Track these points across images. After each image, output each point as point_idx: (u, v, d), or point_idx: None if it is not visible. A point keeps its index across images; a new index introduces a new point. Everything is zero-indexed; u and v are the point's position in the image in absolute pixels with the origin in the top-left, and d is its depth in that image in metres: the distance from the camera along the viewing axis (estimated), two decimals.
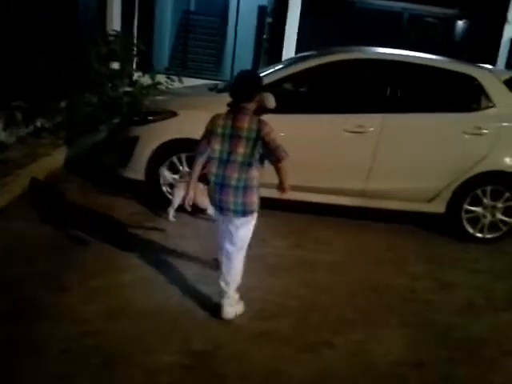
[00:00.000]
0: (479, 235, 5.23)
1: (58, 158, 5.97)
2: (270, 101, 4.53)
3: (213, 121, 3.28)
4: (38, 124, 6.49)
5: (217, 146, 3.23)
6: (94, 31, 8.31)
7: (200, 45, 13.87)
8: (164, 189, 5.09)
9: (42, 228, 4.39)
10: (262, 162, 3.27)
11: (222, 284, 3.39)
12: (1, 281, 3.57)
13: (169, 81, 7.89)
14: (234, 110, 3.26)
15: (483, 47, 10.91)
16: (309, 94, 6.12)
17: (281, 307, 3.64)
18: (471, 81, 5.15)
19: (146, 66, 9.12)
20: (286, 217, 5.19)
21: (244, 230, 3.32)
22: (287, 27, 10.98)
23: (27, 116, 6.25)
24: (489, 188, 5.12)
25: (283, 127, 4.69)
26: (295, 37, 10.90)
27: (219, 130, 3.22)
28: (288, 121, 4.87)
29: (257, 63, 12.32)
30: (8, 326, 3.11)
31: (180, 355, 3.03)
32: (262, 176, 3.31)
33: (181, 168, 5.01)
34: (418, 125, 5.12)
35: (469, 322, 3.78)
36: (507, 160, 5.08)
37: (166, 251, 4.25)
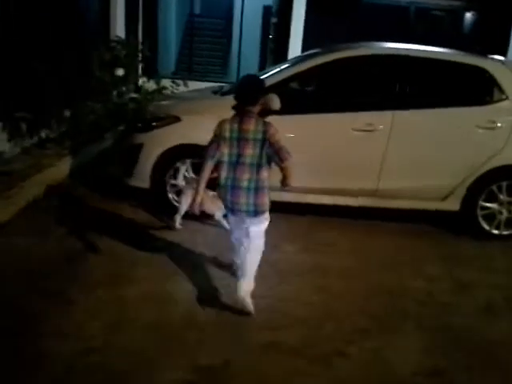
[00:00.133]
0: (495, 232, 5.07)
1: (62, 168, 5.89)
2: (275, 102, 4.44)
3: (220, 125, 3.37)
4: (43, 134, 6.43)
5: (226, 149, 3.33)
6: (97, 37, 8.26)
7: (206, 47, 13.81)
8: (170, 196, 4.99)
9: (46, 240, 4.31)
10: (269, 163, 3.34)
11: (240, 273, 3.49)
12: (5, 297, 3.48)
13: (174, 85, 7.83)
14: (240, 113, 3.36)
15: (493, 38, 10.71)
16: (315, 93, 6.00)
17: (292, 316, 3.50)
18: (483, 73, 4.98)
19: (152, 71, 9.07)
20: (292, 219, 5.06)
21: (258, 226, 3.42)
22: (292, 26, 10.87)
23: (31, 127, 6.19)
24: (504, 183, 4.96)
25: (290, 128, 4.62)
26: (301, 35, 10.78)
27: (227, 134, 3.32)
28: (295, 122, 4.78)
29: (263, 63, 12.23)
30: (12, 343, 3.02)
31: (186, 370, 2.91)
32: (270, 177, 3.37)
33: (187, 174, 4.91)
34: (429, 121, 4.96)
35: (488, 325, 3.62)
36: None
37: (173, 261, 4.14)
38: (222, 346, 3.15)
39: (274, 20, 11.84)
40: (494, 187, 4.96)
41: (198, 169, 4.77)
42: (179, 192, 4.84)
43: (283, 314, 3.52)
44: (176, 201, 4.90)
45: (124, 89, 7.58)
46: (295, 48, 10.71)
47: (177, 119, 4.89)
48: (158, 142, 4.90)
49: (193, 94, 6.26)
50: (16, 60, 5.91)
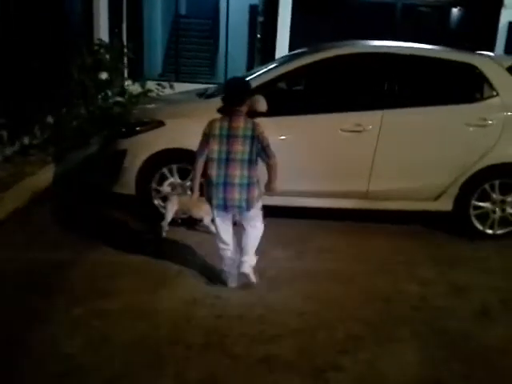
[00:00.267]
0: (489, 232, 4.97)
1: (46, 176, 5.72)
2: (261, 104, 4.33)
3: (210, 124, 3.49)
4: (26, 141, 6.27)
5: (215, 146, 3.44)
6: (80, 41, 8.08)
7: (192, 48, 13.67)
8: (156, 202, 4.86)
9: (29, 251, 4.17)
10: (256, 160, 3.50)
11: (241, 251, 3.73)
12: None
13: (159, 88, 7.71)
14: (228, 113, 3.48)
15: (480, 33, 10.68)
16: (302, 93, 5.89)
17: (283, 327, 3.36)
18: (472, 70, 4.88)
19: (137, 74, 8.94)
20: (283, 224, 4.92)
21: (253, 210, 3.60)
22: (279, 25, 10.81)
23: (13, 133, 6.02)
24: (497, 182, 4.85)
25: (277, 131, 4.51)
26: (288, 34, 10.73)
27: (217, 132, 3.43)
28: (282, 124, 4.66)
29: (251, 63, 12.12)
30: None
31: None
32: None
33: (172, 180, 4.78)
34: (419, 119, 4.85)
35: (485, 330, 3.50)
36: None
37: (159, 270, 4.01)
38: (209, 365, 2.98)
39: (260, 19, 11.74)
40: (487, 186, 4.86)
41: (183, 174, 4.74)
42: (165, 198, 4.72)
43: (274, 324, 3.39)
44: (162, 207, 4.77)
45: (109, 93, 7.45)
46: (282, 47, 10.65)
47: (160, 123, 4.76)
48: (142, 148, 4.76)
49: (178, 96, 6.13)
50: None
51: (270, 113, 4.34)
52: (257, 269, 3.79)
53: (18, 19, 6.32)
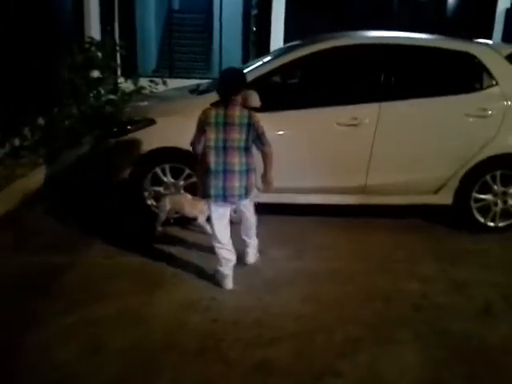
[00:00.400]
0: (491, 224, 4.85)
1: (36, 178, 5.60)
2: (254, 99, 4.18)
3: (205, 112, 3.47)
4: (16, 143, 6.15)
5: (212, 135, 3.43)
6: (71, 40, 7.94)
7: (187, 43, 13.49)
8: (149, 202, 4.74)
9: (16, 257, 4.06)
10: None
11: (246, 238, 3.92)
12: None
13: (152, 84, 7.58)
14: (224, 101, 3.45)
15: (477, 21, 10.52)
16: (297, 87, 5.74)
17: (280, 330, 3.25)
18: (470, 59, 4.74)
19: (130, 71, 8.79)
20: (281, 221, 4.81)
21: (250, 197, 3.67)
22: (273, 17, 10.65)
23: (3, 135, 5.90)
24: (498, 173, 4.73)
25: (272, 126, 4.36)
26: (282, 27, 10.58)
27: (212, 120, 3.41)
28: (277, 119, 4.52)
29: (246, 57, 11.96)
30: None
31: None
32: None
33: (165, 179, 4.67)
34: (417, 111, 4.73)
35: (487, 329, 3.39)
36: None
37: (153, 273, 3.90)
38: (204, 371, 2.89)
39: (254, 12, 11.59)
40: (488, 178, 4.74)
41: (175, 173, 4.63)
42: (158, 198, 4.62)
43: (271, 328, 3.28)
44: (155, 207, 4.66)
45: (102, 91, 7.32)
46: (277, 39, 10.50)
47: (152, 122, 4.63)
48: (134, 147, 4.63)
49: (170, 93, 5.98)
50: None
51: (263, 108, 4.21)
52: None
53: (5, 18, 6.18)
